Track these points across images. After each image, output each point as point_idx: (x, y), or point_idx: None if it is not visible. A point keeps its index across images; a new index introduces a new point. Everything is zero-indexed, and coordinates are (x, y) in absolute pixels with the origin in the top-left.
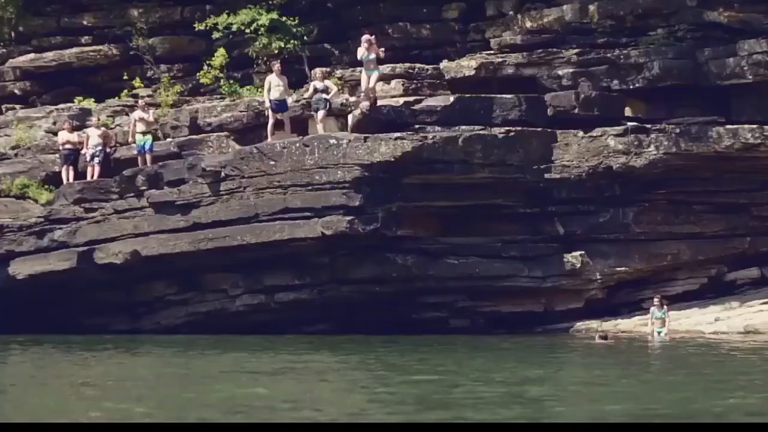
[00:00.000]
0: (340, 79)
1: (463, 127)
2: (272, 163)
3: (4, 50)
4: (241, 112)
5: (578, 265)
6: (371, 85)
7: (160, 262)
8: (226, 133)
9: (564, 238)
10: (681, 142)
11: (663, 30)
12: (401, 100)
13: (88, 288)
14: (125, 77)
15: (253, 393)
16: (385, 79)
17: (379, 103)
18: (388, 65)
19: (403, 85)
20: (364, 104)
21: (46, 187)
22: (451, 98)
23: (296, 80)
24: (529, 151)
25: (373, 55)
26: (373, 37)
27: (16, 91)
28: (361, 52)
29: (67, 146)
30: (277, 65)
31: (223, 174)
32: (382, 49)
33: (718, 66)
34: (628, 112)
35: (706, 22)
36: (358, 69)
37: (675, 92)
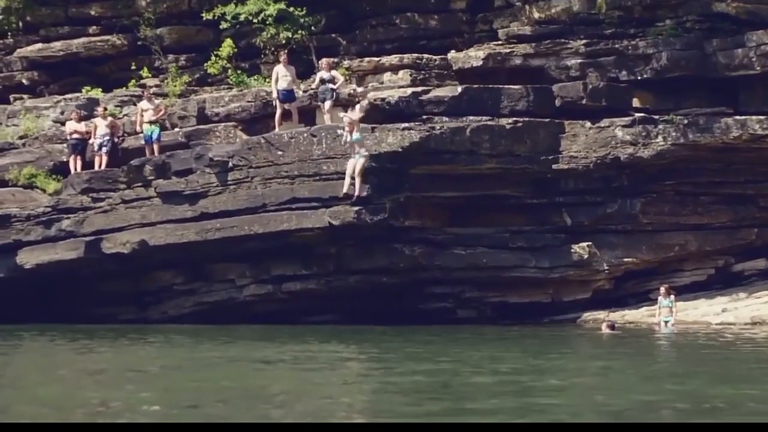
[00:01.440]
0: (347, 69)
1: (471, 117)
2: (280, 153)
3: (12, 40)
4: (248, 102)
5: (585, 256)
6: (357, 171)
7: (167, 252)
8: (233, 123)
9: (571, 229)
10: (689, 133)
11: (671, 21)
12: (409, 91)
13: (95, 278)
14: (133, 67)
15: (259, 383)
16: (392, 69)
17: (387, 93)
18: (396, 55)
19: (410, 75)
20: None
21: (54, 176)
22: (459, 89)
23: (303, 70)
24: (537, 141)
25: (357, 135)
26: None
27: (24, 81)
28: (344, 136)
29: (75, 136)
30: (284, 55)
31: (230, 164)
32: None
33: (726, 57)
34: (635, 103)
35: (714, 13)
36: (366, 59)
37: (683, 83)
